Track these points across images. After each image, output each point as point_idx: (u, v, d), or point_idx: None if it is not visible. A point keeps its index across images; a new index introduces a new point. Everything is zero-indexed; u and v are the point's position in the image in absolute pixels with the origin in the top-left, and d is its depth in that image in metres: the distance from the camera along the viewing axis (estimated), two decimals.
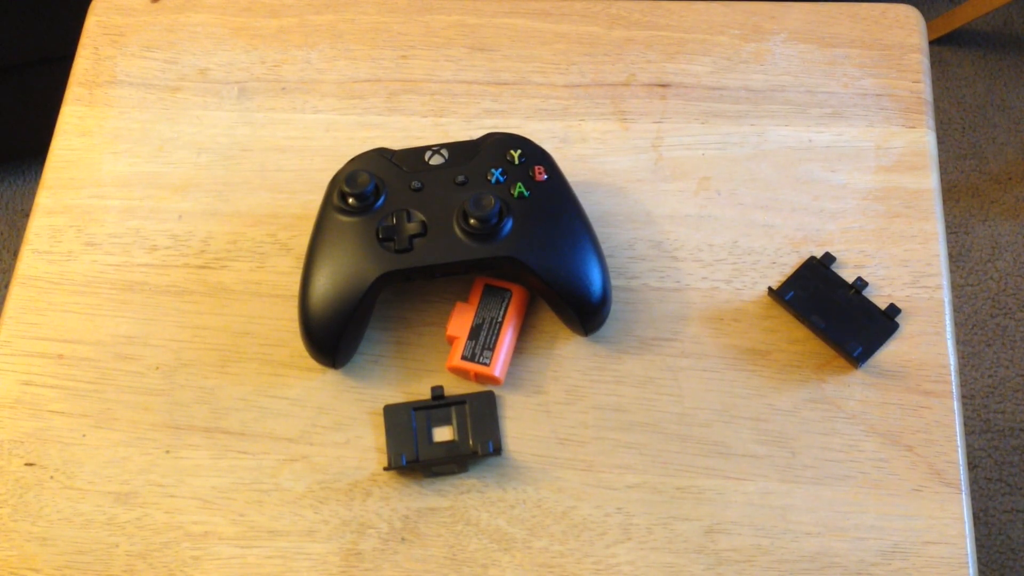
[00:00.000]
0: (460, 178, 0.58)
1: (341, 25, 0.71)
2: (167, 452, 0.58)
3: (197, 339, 0.61)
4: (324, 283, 0.57)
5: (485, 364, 0.58)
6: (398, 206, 0.58)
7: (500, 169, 0.59)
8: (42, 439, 0.59)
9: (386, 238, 0.57)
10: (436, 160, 0.60)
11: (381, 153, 0.60)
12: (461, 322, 0.59)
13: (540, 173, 0.59)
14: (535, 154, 0.60)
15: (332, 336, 0.57)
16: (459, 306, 0.59)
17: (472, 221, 0.56)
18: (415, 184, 0.58)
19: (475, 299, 0.59)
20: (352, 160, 0.60)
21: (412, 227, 0.57)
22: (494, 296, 0.59)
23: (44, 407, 0.59)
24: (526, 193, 0.58)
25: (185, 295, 0.62)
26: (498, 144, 0.60)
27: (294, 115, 0.68)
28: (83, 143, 0.67)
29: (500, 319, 0.59)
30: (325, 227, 0.58)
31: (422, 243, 0.57)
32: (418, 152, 0.60)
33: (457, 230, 0.57)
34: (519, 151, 0.59)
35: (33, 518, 0.57)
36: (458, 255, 0.57)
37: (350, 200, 0.58)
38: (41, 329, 0.62)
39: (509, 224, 0.57)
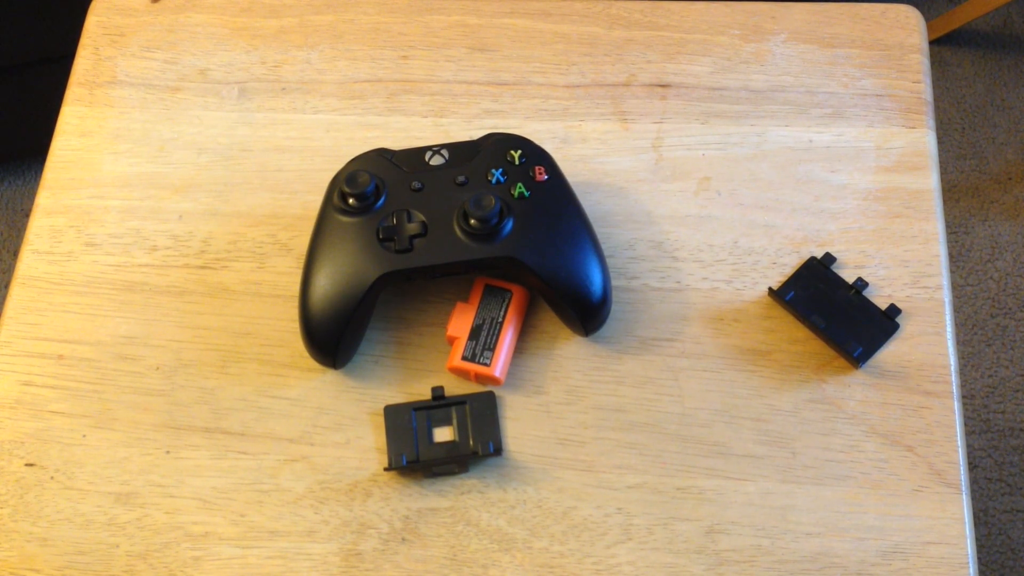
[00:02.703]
0: (460, 178, 0.58)
1: (341, 25, 0.71)
2: (167, 452, 0.58)
3: (197, 339, 0.61)
4: (324, 283, 0.57)
5: (485, 364, 0.58)
6: (398, 206, 0.58)
7: (500, 169, 0.59)
8: (42, 439, 0.59)
9: (386, 238, 0.57)
10: (436, 160, 0.60)
11: (381, 153, 0.60)
12: (461, 322, 0.59)
13: (540, 173, 0.59)
14: (535, 154, 0.60)
15: (332, 336, 0.57)
16: (459, 306, 0.59)
17: (472, 221, 0.56)
18: (415, 184, 0.58)
19: (475, 299, 0.59)
20: (352, 160, 0.60)
21: (412, 227, 0.57)
22: (494, 296, 0.59)
23: (44, 407, 0.59)
24: (526, 193, 0.58)
25: (185, 295, 0.62)
26: (498, 144, 0.60)
27: (294, 115, 0.68)
28: (83, 143, 0.67)
29: (500, 319, 0.59)
30: (325, 227, 0.58)
31: (422, 243, 0.57)
32: (418, 152, 0.60)
33: (457, 230, 0.57)
34: (519, 151, 0.59)
35: (33, 518, 0.57)
36: (458, 255, 0.57)
37: (350, 200, 0.58)
38: (41, 329, 0.62)
39: (509, 224, 0.57)
